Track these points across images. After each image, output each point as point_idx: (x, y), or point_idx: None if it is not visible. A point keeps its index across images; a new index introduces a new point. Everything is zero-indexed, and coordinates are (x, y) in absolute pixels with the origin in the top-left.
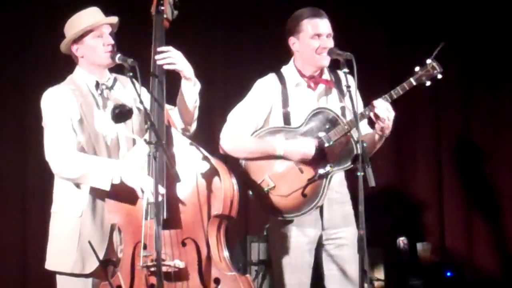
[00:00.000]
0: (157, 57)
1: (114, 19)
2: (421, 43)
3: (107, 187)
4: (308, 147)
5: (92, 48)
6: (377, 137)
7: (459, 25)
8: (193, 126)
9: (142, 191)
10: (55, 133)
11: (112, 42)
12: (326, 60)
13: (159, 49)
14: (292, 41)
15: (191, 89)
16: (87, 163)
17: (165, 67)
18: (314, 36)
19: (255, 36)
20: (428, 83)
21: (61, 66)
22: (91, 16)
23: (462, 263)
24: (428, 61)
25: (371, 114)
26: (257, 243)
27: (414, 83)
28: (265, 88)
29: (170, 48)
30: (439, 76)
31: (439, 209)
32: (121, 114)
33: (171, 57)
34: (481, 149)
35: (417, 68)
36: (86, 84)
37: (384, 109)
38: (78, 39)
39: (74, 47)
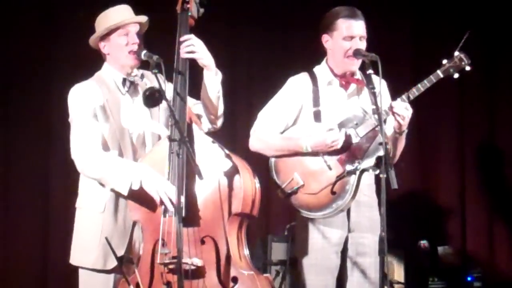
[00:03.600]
0: (182, 38)
1: (143, 18)
2: (446, 42)
3: (125, 192)
4: (334, 137)
5: (117, 46)
6: (396, 135)
7: (485, 22)
8: (220, 121)
9: (162, 199)
10: (81, 131)
11: (137, 41)
12: (355, 66)
13: (181, 38)
14: (325, 39)
15: (213, 79)
16: (109, 166)
17: (186, 55)
18: (346, 37)
19: (280, 37)
20: (456, 75)
21: (90, 62)
22: (119, 13)
23: (483, 268)
24: (456, 53)
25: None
26: (278, 243)
27: (442, 75)
28: (296, 86)
29: (191, 36)
30: (467, 68)
31: (461, 213)
32: (152, 96)
33: (192, 45)
34: (505, 153)
35: (444, 61)
36: (114, 81)
37: (402, 108)
38: (105, 36)
39: (102, 44)
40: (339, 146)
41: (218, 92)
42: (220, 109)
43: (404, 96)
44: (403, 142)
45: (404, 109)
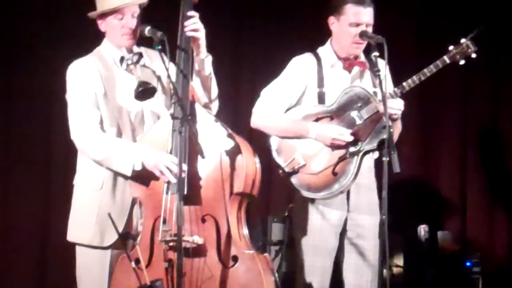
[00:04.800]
0: (186, 22)
1: (141, 0)
2: (452, 26)
3: (129, 173)
4: (342, 135)
5: (112, 27)
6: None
7: (490, 9)
8: (214, 105)
9: (163, 174)
10: (79, 110)
11: (132, 26)
12: (359, 50)
13: (188, 13)
14: (332, 21)
15: (204, 60)
16: (110, 147)
17: (190, 33)
18: (353, 23)
19: (284, 17)
20: (462, 62)
21: (91, 35)
22: None
23: (482, 253)
24: (463, 40)
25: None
26: (278, 223)
27: (448, 61)
28: (301, 66)
29: (197, 14)
30: (473, 55)
31: (462, 198)
32: (145, 92)
33: (197, 23)
34: (506, 139)
35: (451, 47)
36: (112, 58)
37: (394, 105)
38: (103, 15)
39: (99, 21)
40: (341, 145)
41: (210, 74)
42: (214, 91)
43: (405, 85)
44: (399, 126)
45: (396, 107)
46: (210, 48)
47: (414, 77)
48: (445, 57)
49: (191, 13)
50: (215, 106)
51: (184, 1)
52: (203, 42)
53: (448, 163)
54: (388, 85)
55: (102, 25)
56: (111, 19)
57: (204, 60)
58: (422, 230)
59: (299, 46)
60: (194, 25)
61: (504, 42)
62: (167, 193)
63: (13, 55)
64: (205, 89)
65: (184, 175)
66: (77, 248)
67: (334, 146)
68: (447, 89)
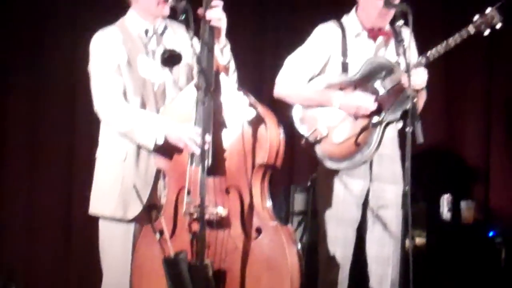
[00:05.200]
0: (213, 3)
1: None
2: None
3: (151, 148)
4: (366, 104)
5: None
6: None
7: None
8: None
9: (188, 146)
10: (103, 82)
11: None
12: (385, 21)
13: (213, 2)
14: None
15: (223, 49)
16: (133, 120)
17: (215, 24)
18: None
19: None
20: (486, 32)
21: (117, 6)
22: None
23: (506, 223)
24: (488, 9)
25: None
26: (301, 193)
27: (473, 31)
28: (325, 36)
29: (220, 4)
30: (499, 25)
31: (486, 168)
32: (171, 58)
33: (220, 12)
34: None
35: (476, 17)
36: (137, 29)
37: (419, 76)
38: None
39: None
40: (365, 114)
41: (228, 62)
42: (232, 69)
43: (429, 54)
44: (424, 95)
45: (420, 77)
46: (233, 21)
47: (439, 47)
48: (470, 27)
49: (215, 2)
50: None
51: None
52: (223, 31)
53: (472, 133)
54: (413, 54)
55: None
56: None
57: (223, 49)
58: (445, 200)
59: (323, 15)
60: (218, 15)
61: None
62: (191, 164)
63: (38, 27)
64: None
65: (207, 146)
66: (100, 221)
67: (357, 116)
68: (473, 58)
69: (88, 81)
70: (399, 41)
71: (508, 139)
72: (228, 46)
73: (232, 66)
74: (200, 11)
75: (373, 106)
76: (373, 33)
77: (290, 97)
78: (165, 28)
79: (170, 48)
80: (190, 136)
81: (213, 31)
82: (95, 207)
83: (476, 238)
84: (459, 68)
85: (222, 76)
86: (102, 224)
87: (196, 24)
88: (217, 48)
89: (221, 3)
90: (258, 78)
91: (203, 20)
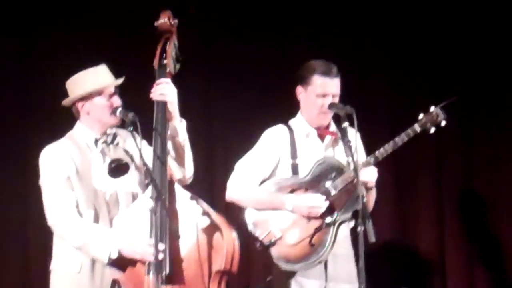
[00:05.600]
0: (154, 88)
1: (121, 80)
2: (422, 93)
3: (105, 261)
4: (318, 204)
5: (101, 108)
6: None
7: (460, 74)
8: (189, 172)
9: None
10: (54, 195)
11: (120, 104)
12: (326, 120)
13: (157, 81)
14: (300, 90)
15: (178, 126)
16: (87, 234)
17: (158, 97)
18: (320, 94)
19: (256, 89)
20: (432, 130)
21: (64, 120)
22: (100, 76)
23: None
24: (432, 108)
25: None
26: None
27: (419, 130)
28: (274, 138)
29: (168, 80)
30: (443, 123)
31: (441, 261)
32: (118, 168)
33: (165, 88)
34: (483, 202)
35: (421, 115)
36: (85, 141)
37: (368, 175)
38: (86, 97)
39: (80, 103)
40: (318, 214)
41: (184, 140)
42: (188, 158)
43: (377, 154)
44: (374, 194)
45: (370, 175)
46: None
47: (386, 146)
48: (416, 126)
49: (160, 80)
50: (188, 173)
51: (158, 71)
52: (175, 107)
53: (426, 227)
54: (360, 153)
55: (84, 107)
56: (99, 100)
57: (178, 126)
58: None
59: (272, 114)
60: (162, 90)
61: (474, 103)
62: (148, 273)
63: None
64: (179, 156)
65: (162, 255)
66: None
67: (310, 217)
68: (420, 154)
69: (39, 193)
70: (346, 141)
71: (461, 230)
72: (184, 124)
73: (187, 144)
74: None
75: (325, 207)
76: (320, 132)
77: (243, 201)
78: (115, 136)
79: (117, 158)
80: (143, 248)
81: (164, 107)
82: None
83: None
84: (408, 165)
85: (176, 185)
86: None
87: (145, 135)
88: (172, 126)
89: (169, 80)
90: (208, 181)
91: (155, 131)
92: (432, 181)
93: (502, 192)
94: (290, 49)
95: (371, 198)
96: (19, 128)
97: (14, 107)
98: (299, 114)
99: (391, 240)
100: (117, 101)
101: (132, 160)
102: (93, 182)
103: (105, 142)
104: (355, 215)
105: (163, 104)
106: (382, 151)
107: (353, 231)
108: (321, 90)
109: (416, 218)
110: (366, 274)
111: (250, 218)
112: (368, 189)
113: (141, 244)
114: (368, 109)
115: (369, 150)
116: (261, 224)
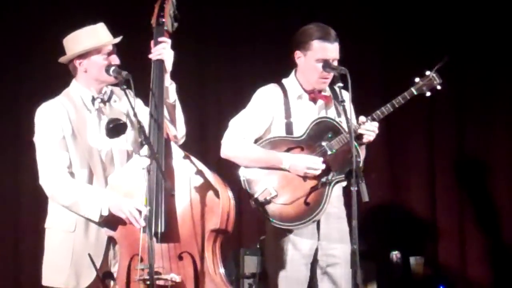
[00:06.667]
0: (154, 47)
1: (119, 39)
2: (416, 57)
3: (96, 219)
4: (315, 165)
5: (99, 66)
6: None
7: (452, 39)
8: (180, 132)
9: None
10: (47, 154)
11: (118, 62)
12: (325, 84)
13: (159, 38)
14: (298, 55)
15: (169, 87)
16: (77, 193)
17: (157, 56)
18: (320, 59)
19: (248, 50)
20: (428, 94)
21: (59, 78)
22: (99, 34)
23: (455, 278)
24: (428, 72)
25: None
26: (250, 256)
27: (415, 93)
28: (267, 97)
29: (169, 40)
30: (439, 87)
31: (433, 223)
32: (115, 128)
33: (165, 48)
34: (474, 164)
35: (417, 79)
36: (82, 99)
37: (372, 126)
38: (84, 54)
39: (78, 61)
40: (314, 175)
41: (174, 101)
42: (180, 125)
43: (374, 115)
44: (364, 151)
45: (371, 129)
46: (175, 79)
47: (383, 108)
48: (413, 89)
49: (162, 38)
50: (181, 132)
51: (156, 37)
52: (168, 68)
53: (417, 188)
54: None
55: (82, 64)
56: (97, 58)
57: (169, 88)
58: (395, 256)
59: (265, 74)
60: (161, 49)
61: (468, 68)
62: (144, 231)
63: None
64: (170, 116)
65: (143, 223)
66: None
67: (306, 176)
68: (413, 116)
69: (32, 152)
70: (340, 102)
71: (453, 194)
72: (174, 86)
73: (178, 105)
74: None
75: (322, 167)
76: (313, 96)
77: (238, 158)
78: (111, 93)
79: (114, 118)
80: (129, 209)
81: (161, 67)
82: (47, 279)
83: None
84: (401, 127)
85: (172, 143)
86: None
87: (140, 93)
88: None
89: (168, 40)
90: (201, 137)
91: (151, 92)
92: (424, 142)
93: (494, 154)
94: (282, 11)
95: (361, 156)
96: (13, 83)
97: (8, 66)
98: (292, 75)
99: (383, 202)
100: (115, 59)
101: (127, 117)
102: (88, 141)
103: (102, 100)
104: (348, 176)
105: (161, 64)
106: (379, 113)
107: (347, 190)
108: (321, 55)
109: (408, 180)
110: (359, 234)
111: (245, 175)
112: (368, 142)
113: (129, 205)
114: (361, 73)
115: (362, 113)
116: (256, 182)
